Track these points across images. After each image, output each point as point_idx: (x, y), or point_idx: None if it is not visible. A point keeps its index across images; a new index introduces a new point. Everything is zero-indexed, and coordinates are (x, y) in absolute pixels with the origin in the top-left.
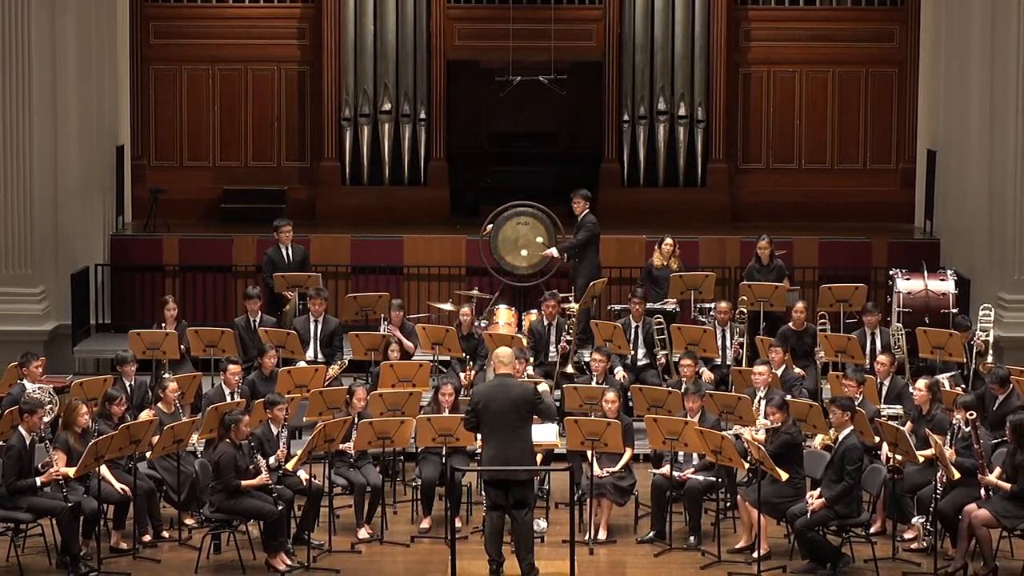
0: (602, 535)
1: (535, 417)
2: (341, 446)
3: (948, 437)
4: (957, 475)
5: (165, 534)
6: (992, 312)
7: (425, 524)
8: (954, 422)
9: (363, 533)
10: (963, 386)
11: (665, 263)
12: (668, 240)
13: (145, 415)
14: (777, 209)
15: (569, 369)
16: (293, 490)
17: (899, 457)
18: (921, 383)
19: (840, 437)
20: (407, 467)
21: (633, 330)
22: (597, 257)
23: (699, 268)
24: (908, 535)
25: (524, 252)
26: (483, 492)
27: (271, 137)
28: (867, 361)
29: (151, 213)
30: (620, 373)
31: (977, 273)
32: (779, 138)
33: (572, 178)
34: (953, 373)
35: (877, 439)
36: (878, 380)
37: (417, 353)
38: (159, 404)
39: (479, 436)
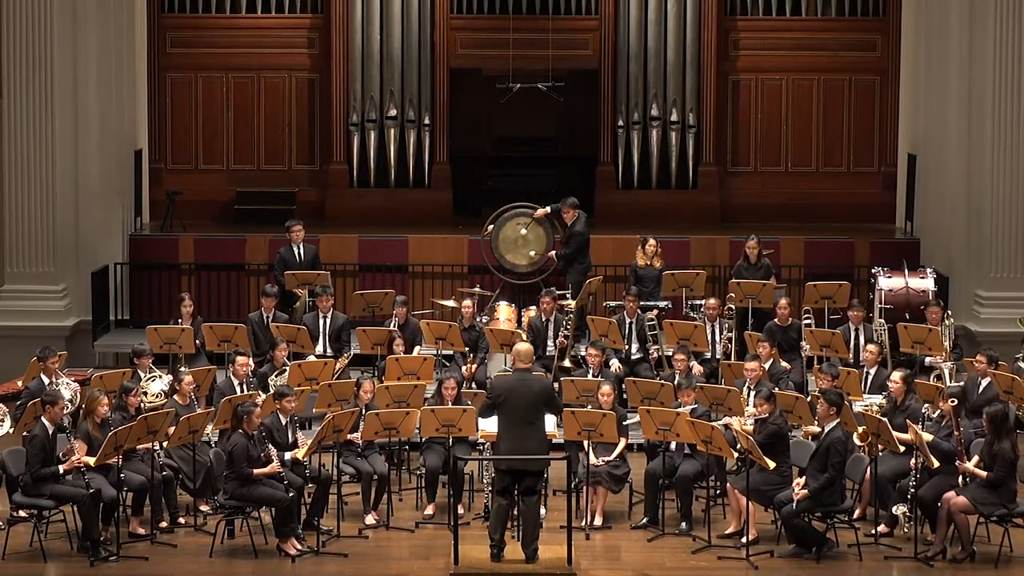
0: (598, 521)
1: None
2: (349, 436)
3: (920, 425)
4: (936, 464)
5: (181, 520)
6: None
7: (429, 510)
8: (924, 410)
9: (370, 519)
10: (942, 382)
11: (648, 262)
12: (652, 240)
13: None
14: (765, 210)
15: (566, 363)
16: (303, 478)
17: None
18: (896, 375)
19: (827, 429)
20: (412, 456)
21: (627, 325)
22: (588, 258)
23: (690, 267)
24: (882, 528)
25: (532, 253)
26: (489, 480)
27: (282, 141)
28: (851, 355)
29: (168, 214)
30: (615, 366)
31: (956, 271)
32: (766, 142)
33: (570, 181)
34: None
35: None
36: (865, 369)
37: (421, 348)
38: (175, 396)
39: (480, 422)
